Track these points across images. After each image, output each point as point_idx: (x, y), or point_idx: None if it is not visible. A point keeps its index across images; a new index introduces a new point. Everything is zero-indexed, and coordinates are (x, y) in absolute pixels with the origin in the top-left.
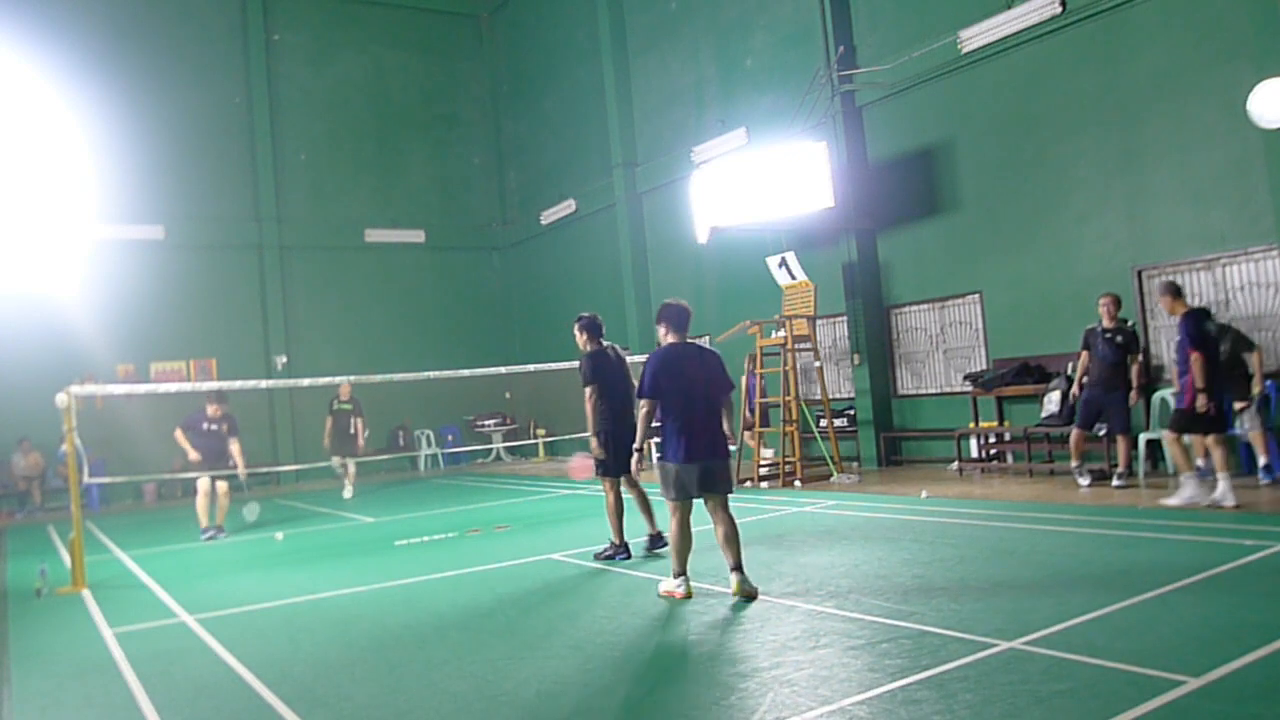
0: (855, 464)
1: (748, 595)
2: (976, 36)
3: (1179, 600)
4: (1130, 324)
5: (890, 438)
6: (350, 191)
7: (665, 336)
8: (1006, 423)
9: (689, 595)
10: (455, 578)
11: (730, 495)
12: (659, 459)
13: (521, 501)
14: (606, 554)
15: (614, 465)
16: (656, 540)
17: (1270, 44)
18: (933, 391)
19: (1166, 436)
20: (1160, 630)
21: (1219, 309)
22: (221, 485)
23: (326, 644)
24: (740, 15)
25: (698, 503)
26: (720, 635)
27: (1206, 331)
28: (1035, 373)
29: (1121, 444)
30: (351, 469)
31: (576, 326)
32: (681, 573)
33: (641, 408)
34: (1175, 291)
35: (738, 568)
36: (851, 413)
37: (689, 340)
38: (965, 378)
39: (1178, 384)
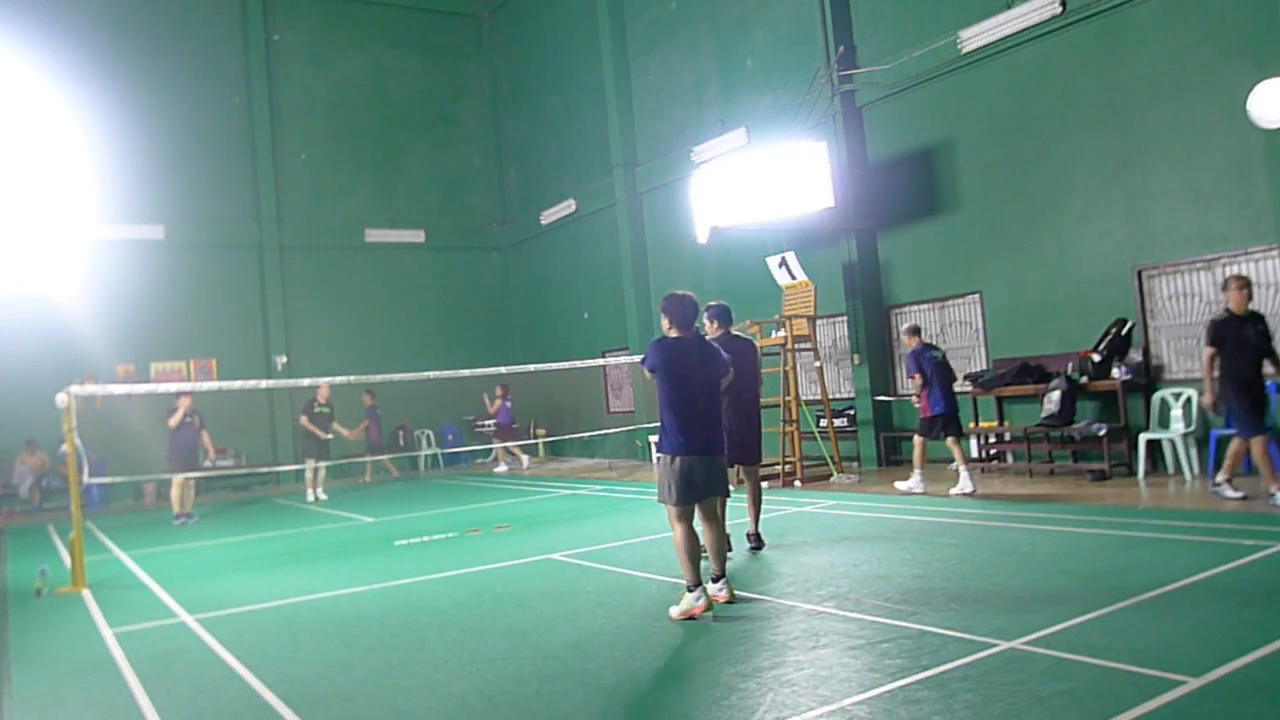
0: (855, 464)
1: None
2: (976, 36)
3: (1179, 600)
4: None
5: (890, 438)
6: (350, 191)
7: (669, 330)
8: (1006, 423)
9: (710, 608)
10: (455, 578)
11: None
12: (656, 454)
13: (521, 501)
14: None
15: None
16: (755, 540)
17: (1270, 44)
18: None
19: (915, 440)
20: (1160, 630)
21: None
22: (189, 481)
23: (326, 644)
24: (740, 15)
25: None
26: (720, 635)
27: (930, 360)
28: (1035, 373)
29: (1253, 447)
30: (322, 472)
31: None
32: (697, 583)
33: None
34: (915, 331)
35: (721, 576)
36: (851, 413)
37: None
38: (965, 377)
39: (917, 399)
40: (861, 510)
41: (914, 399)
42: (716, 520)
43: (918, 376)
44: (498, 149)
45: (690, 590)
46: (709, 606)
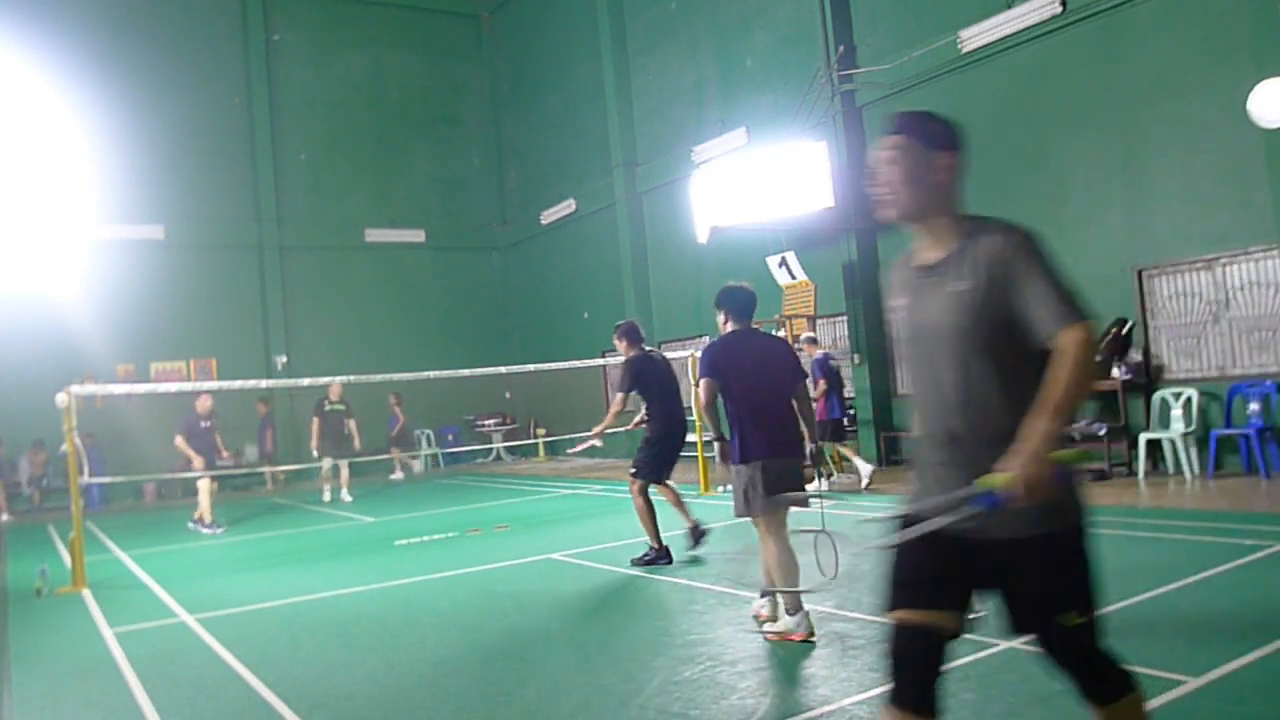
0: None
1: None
2: (977, 36)
3: (1179, 600)
4: None
5: (890, 437)
6: (350, 191)
7: (724, 325)
8: None
9: (811, 635)
10: (455, 578)
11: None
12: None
13: (521, 501)
14: (647, 559)
15: (650, 471)
16: (697, 532)
17: (1270, 44)
18: None
19: (834, 446)
20: (1160, 630)
21: (1219, 309)
22: (213, 484)
23: (326, 644)
24: (740, 15)
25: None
26: (721, 635)
27: (830, 369)
28: None
29: None
30: (345, 472)
31: (616, 335)
32: (799, 607)
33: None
34: (814, 341)
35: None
36: (852, 412)
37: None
38: None
39: (815, 403)
40: (862, 510)
41: (813, 403)
42: (785, 530)
43: (821, 382)
44: (498, 149)
45: (791, 613)
46: (811, 634)
